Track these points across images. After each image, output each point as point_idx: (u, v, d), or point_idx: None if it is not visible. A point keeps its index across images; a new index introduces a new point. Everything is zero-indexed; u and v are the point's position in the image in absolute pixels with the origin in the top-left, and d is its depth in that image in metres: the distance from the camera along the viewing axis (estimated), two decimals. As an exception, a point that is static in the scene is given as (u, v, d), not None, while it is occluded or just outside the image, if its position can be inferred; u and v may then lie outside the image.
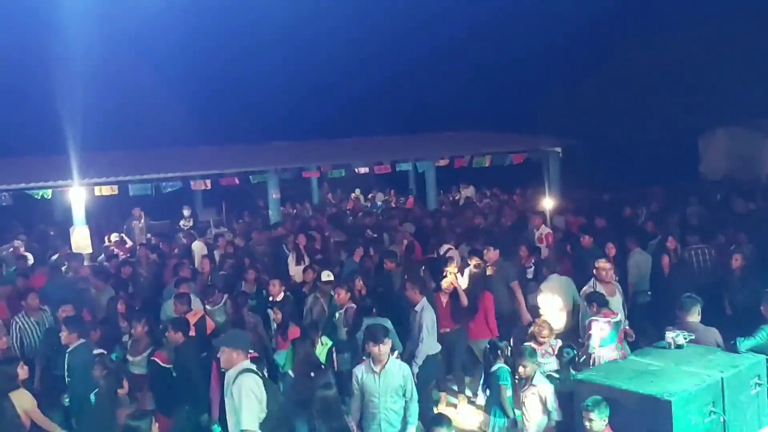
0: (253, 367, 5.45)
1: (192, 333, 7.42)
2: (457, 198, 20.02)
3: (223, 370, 5.47)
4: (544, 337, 6.82)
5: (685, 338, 5.80)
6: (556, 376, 6.66)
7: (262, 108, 27.06)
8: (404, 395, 5.72)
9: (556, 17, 27.17)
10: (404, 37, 29.04)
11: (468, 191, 20.12)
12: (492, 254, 9.02)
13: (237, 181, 15.68)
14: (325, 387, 5.64)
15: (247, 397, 5.12)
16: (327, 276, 8.76)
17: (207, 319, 8.18)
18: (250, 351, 5.77)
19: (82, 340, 7.13)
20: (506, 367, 6.50)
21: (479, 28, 28.04)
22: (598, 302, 6.99)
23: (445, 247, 10.80)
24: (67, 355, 7.02)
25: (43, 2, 20.56)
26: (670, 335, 5.86)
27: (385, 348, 5.69)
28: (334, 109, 27.49)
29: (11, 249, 13.53)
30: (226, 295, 8.93)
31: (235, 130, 22.49)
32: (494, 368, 6.49)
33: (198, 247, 12.74)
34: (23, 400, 6.15)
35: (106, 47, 22.84)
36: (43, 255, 13.07)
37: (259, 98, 27.48)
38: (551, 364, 6.77)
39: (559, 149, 17.46)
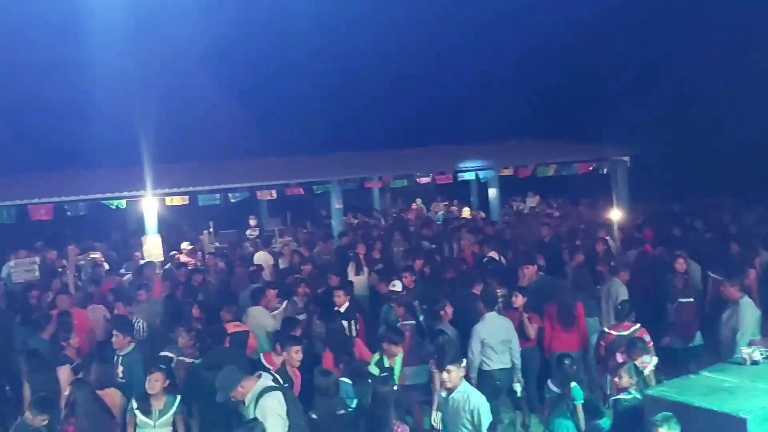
0: (271, 381, 5.59)
1: (226, 345, 7.49)
2: (521, 208, 19.77)
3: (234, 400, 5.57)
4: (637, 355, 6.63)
5: (762, 354, 5.56)
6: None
7: (326, 120, 27.49)
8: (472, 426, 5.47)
9: (624, 23, 26.56)
10: (467, 46, 28.97)
11: (533, 201, 19.85)
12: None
13: (301, 191, 15.96)
14: (384, 382, 5.64)
15: (272, 419, 5.27)
16: (393, 286, 8.84)
17: (250, 336, 8.17)
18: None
19: (133, 345, 7.39)
20: (577, 384, 6.38)
21: (545, 36, 27.72)
22: None
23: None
24: (120, 358, 7.27)
25: (115, 20, 21.50)
26: (746, 351, 5.65)
27: (448, 375, 5.60)
28: (396, 119, 27.64)
29: (89, 257, 14.16)
30: (286, 302, 9.10)
31: (299, 142, 22.91)
32: (571, 386, 6.35)
33: (262, 257, 13.01)
34: (114, 398, 6.50)
35: (178, 64, 23.69)
36: (119, 263, 13.63)
37: (322, 110, 27.94)
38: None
39: (627, 158, 17.00)
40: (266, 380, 5.61)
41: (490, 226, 15.45)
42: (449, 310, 7.92)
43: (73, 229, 16.04)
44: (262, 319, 8.63)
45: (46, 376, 7.06)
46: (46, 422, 5.86)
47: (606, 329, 7.75)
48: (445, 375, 5.59)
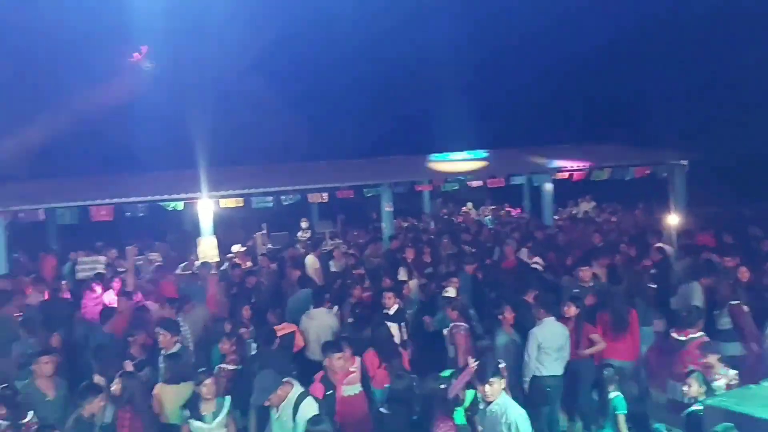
0: (301, 387, 5.74)
1: (275, 345, 7.65)
2: (574, 212, 19.43)
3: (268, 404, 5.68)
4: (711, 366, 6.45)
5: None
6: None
7: (377, 123, 27.58)
8: None
9: (684, 23, 25.84)
10: (522, 48, 28.64)
11: (587, 205, 19.49)
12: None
13: (352, 194, 16.06)
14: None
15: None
16: (446, 292, 8.81)
17: (297, 335, 8.41)
18: None
19: (179, 345, 7.55)
20: (621, 394, 6.22)
21: (603, 38, 27.15)
22: None
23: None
24: (162, 358, 7.44)
25: (171, 24, 22.09)
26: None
27: (490, 388, 5.53)
28: (448, 123, 27.52)
29: (147, 258, 14.58)
30: (336, 306, 9.15)
31: (350, 145, 23.07)
32: (611, 395, 6.20)
33: (311, 260, 13.12)
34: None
35: (233, 69, 24.16)
36: (176, 264, 13.98)
37: (372, 114, 28.05)
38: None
39: (685, 162, 16.52)
40: (299, 387, 5.73)
41: (540, 230, 15.26)
42: (509, 314, 7.83)
43: (132, 230, 16.52)
44: (326, 319, 8.70)
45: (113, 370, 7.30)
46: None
47: (670, 332, 7.56)
48: (487, 388, 5.51)
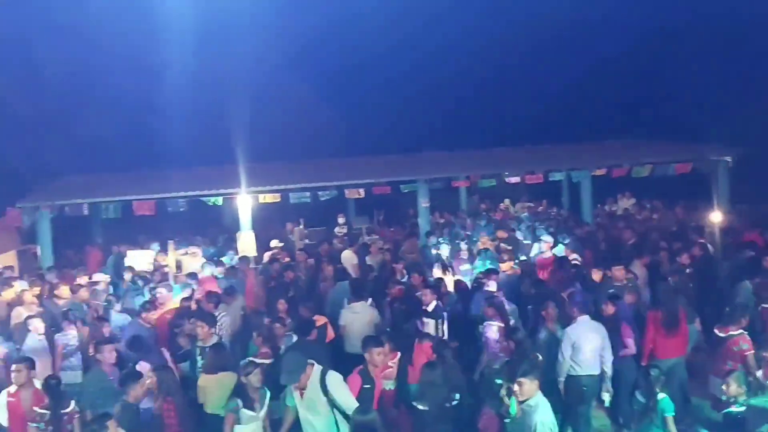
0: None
1: (313, 336, 7.83)
2: (614, 209, 19.13)
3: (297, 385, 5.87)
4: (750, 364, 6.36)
5: None
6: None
7: (414, 119, 27.56)
8: None
9: (730, 17, 25.19)
10: (563, 45, 28.29)
11: (627, 202, 19.16)
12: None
13: (389, 190, 16.09)
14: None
15: (343, 388, 5.83)
16: (488, 286, 8.82)
17: (328, 326, 8.63)
18: None
19: (216, 338, 7.69)
20: (666, 395, 6.12)
21: (645, 34, 26.67)
22: None
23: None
24: (199, 350, 7.61)
25: (210, 22, 22.42)
26: None
27: (520, 388, 5.48)
28: (486, 119, 27.38)
29: (187, 252, 14.84)
30: (370, 299, 9.23)
31: (387, 141, 23.10)
32: (659, 397, 6.11)
33: (348, 255, 13.20)
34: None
35: (271, 67, 24.40)
36: (215, 258, 14.19)
37: (410, 110, 28.04)
38: None
39: (729, 158, 16.11)
40: (318, 366, 5.89)
41: (580, 227, 15.08)
42: (552, 310, 7.79)
43: (173, 224, 16.84)
44: (367, 313, 8.81)
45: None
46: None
47: (714, 329, 7.47)
48: (516, 386, 5.47)
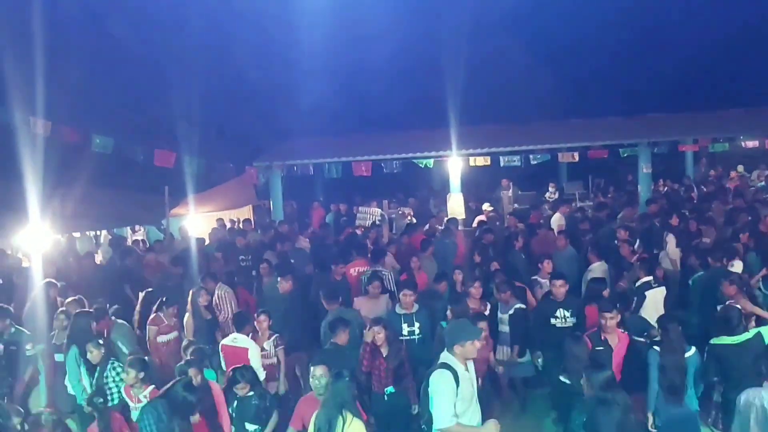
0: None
1: None
2: None
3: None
4: None
5: None
6: None
7: (633, 79, 25.70)
8: None
9: None
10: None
11: None
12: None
13: (605, 154, 15.28)
14: None
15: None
16: (732, 266, 8.22)
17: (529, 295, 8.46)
18: None
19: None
20: None
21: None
22: None
23: None
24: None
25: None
26: None
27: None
28: (715, 78, 24.63)
29: (400, 211, 15.50)
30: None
31: (606, 103, 21.81)
32: None
33: (556, 218, 12.77)
34: None
35: (483, 35, 24.13)
36: (426, 218, 14.64)
37: (628, 69, 26.17)
38: None
39: None
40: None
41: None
42: None
43: (387, 185, 17.58)
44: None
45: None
46: None
47: None
48: None
